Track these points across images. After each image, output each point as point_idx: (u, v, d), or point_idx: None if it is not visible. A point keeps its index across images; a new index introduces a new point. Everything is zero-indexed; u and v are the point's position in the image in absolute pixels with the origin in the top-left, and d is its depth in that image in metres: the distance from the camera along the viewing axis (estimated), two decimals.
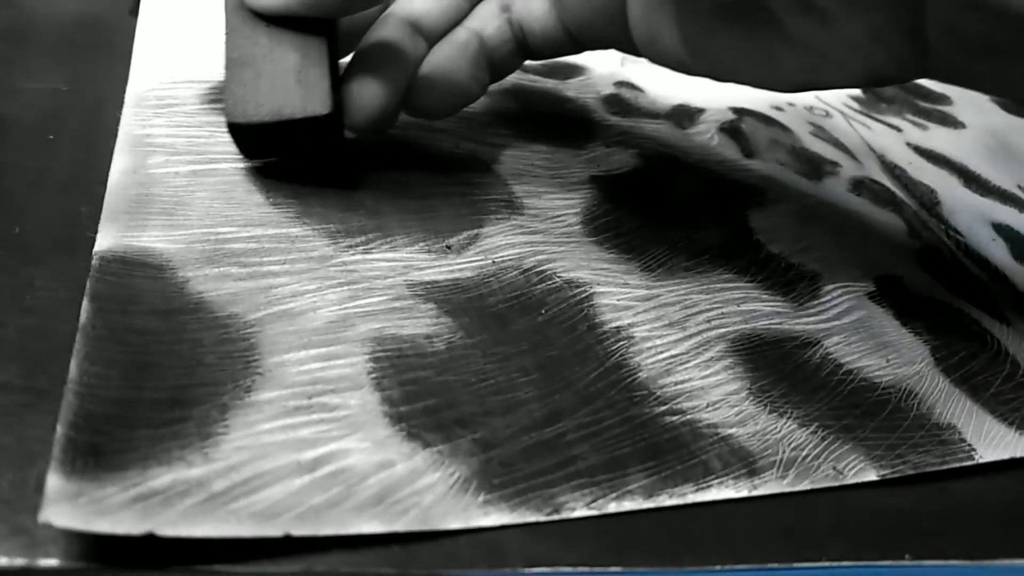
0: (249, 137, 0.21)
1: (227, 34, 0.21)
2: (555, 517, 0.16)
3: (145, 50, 0.27)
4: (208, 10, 0.29)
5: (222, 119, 0.21)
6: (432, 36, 0.24)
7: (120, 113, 0.24)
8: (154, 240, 0.19)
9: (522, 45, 0.25)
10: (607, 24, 0.23)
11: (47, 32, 0.28)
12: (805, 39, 0.20)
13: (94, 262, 0.18)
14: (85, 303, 0.17)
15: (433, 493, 0.16)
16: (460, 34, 0.24)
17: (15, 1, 0.30)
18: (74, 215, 0.20)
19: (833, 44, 0.20)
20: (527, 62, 0.33)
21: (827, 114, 0.36)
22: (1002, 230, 0.31)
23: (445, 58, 0.23)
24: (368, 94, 0.22)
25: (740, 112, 0.34)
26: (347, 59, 0.23)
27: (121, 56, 0.27)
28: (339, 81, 0.22)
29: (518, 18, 0.24)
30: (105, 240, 0.19)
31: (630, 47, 0.24)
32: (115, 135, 0.23)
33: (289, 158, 0.22)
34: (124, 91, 0.25)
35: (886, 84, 0.21)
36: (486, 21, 0.24)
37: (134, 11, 0.30)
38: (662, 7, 0.22)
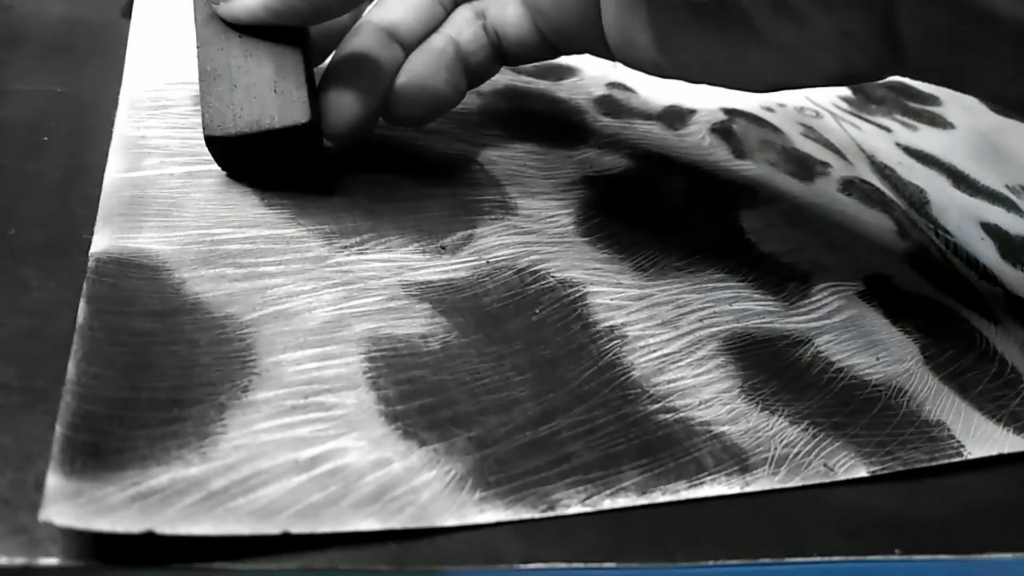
0: (229, 149, 0.21)
1: (199, 47, 0.21)
2: (550, 514, 0.16)
3: (138, 52, 0.27)
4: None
5: None
6: (408, 43, 0.23)
7: (113, 114, 0.24)
8: (150, 242, 0.19)
9: (498, 51, 0.25)
10: (581, 28, 0.23)
11: (40, 34, 0.29)
12: (778, 39, 0.20)
13: (90, 264, 0.18)
14: (82, 305, 0.17)
15: (429, 490, 0.16)
16: (436, 41, 0.24)
17: (8, 2, 0.30)
18: (69, 216, 0.21)
19: (806, 44, 0.20)
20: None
21: (817, 115, 0.37)
22: (991, 229, 0.31)
23: (422, 65, 0.23)
24: (346, 103, 0.22)
25: (731, 113, 0.34)
26: (323, 66, 0.23)
27: (114, 57, 0.27)
28: (315, 90, 0.22)
29: (493, 24, 0.24)
30: (101, 242, 0.19)
31: (604, 51, 0.24)
32: (109, 136, 0.23)
33: (270, 171, 0.22)
34: (117, 92, 0.25)
35: (859, 82, 0.21)
36: (461, 27, 0.24)
37: (127, 13, 0.30)
38: (635, 10, 0.22)
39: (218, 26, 0.21)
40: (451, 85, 0.24)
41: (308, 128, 0.21)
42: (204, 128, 0.20)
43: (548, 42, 0.24)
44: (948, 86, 0.20)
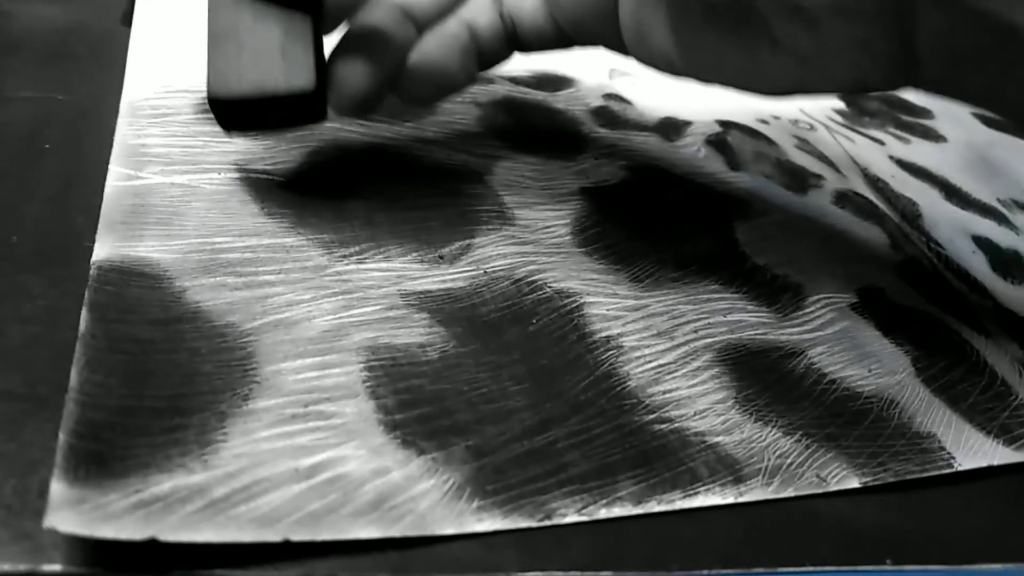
0: (230, 112, 0.21)
1: (209, 8, 0.20)
2: (547, 523, 0.16)
3: (139, 59, 0.27)
4: (201, 19, 0.30)
5: (217, 129, 0.22)
6: (423, 23, 0.23)
7: (114, 122, 0.24)
8: (151, 250, 0.20)
9: (512, 38, 0.25)
10: (598, 20, 0.24)
11: (40, 41, 0.29)
12: (792, 44, 0.20)
13: (92, 272, 0.18)
14: (84, 313, 0.17)
15: (428, 499, 0.16)
16: (452, 25, 0.24)
17: (8, 10, 0.30)
18: (70, 224, 0.21)
19: (820, 50, 0.20)
20: (516, 74, 0.33)
21: (811, 127, 0.37)
22: (982, 242, 0.32)
23: (436, 47, 0.23)
24: (354, 76, 0.22)
25: (726, 125, 0.34)
26: (333, 38, 0.23)
27: (114, 65, 0.27)
28: (323, 60, 0.21)
29: (510, 11, 0.24)
30: (102, 250, 0.19)
31: (618, 44, 0.24)
32: (109, 144, 0.23)
33: (268, 133, 0.22)
34: (118, 100, 0.25)
35: (870, 91, 0.21)
36: (478, 13, 0.24)
37: (126, 20, 0.30)
38: (653, 6, 0.22)
39: None
40: (463, 69, 0.24)
41: (311, 96, 0.20)
42: (208, 88, 0.20)
43: (563, 33, 0.24)
44: (959, 99, 0.20)
